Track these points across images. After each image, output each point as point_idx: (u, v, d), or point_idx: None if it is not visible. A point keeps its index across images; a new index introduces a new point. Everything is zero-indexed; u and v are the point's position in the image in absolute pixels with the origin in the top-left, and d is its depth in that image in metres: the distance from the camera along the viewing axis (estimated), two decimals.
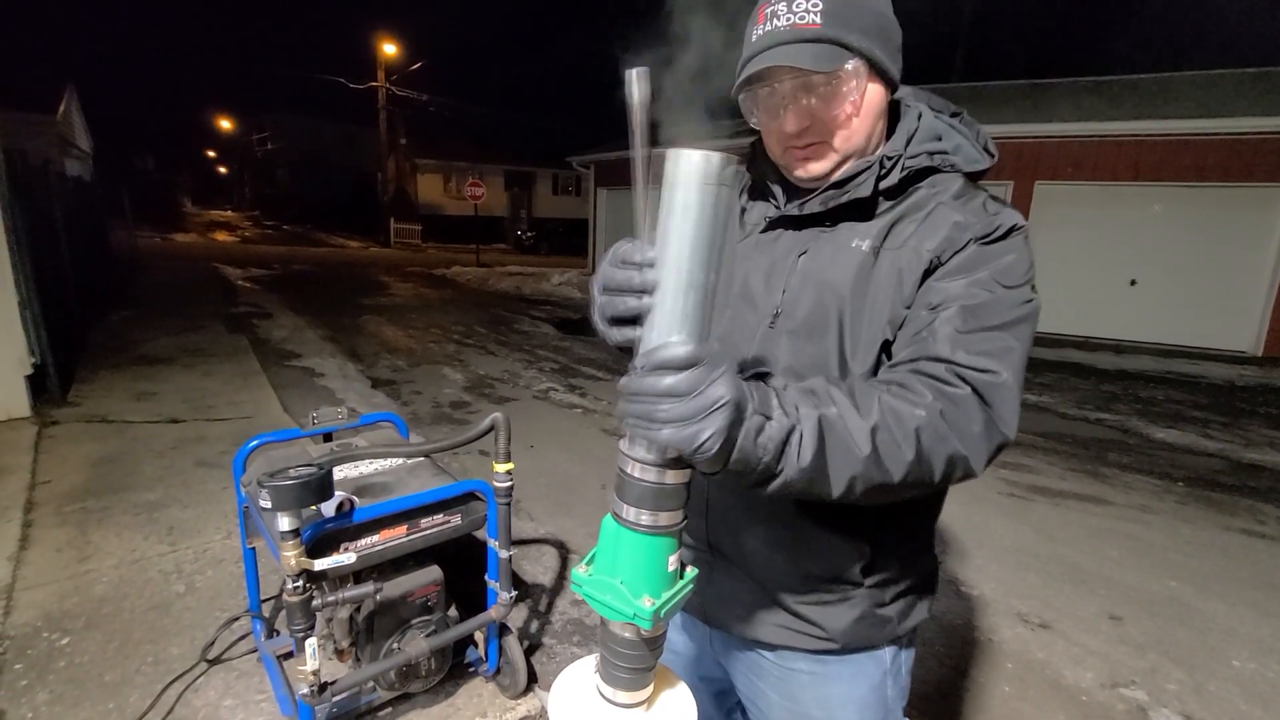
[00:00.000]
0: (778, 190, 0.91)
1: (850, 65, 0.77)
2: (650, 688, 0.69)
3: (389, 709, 1.85)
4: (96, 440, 3.85)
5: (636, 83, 0.57)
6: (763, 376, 0.67)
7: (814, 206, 0.85)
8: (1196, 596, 2.81)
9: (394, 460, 1.93)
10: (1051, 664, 2.33)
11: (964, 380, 0.71)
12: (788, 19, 0.77)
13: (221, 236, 26.20)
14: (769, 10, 0.79)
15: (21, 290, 4.14)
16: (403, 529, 1.63)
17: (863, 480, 0.65)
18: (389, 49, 24.84)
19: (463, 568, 2.05)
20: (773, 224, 0.90)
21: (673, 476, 0.62)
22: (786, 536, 0.86)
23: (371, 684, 1.74)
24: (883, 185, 0.82)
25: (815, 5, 0.76)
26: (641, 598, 0.63)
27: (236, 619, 2.16)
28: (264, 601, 2.13)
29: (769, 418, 0.60)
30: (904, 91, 0.92)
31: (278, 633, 2.03)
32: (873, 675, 0.92)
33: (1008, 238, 0.79)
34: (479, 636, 2.05)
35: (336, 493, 1.50)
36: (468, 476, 1.90)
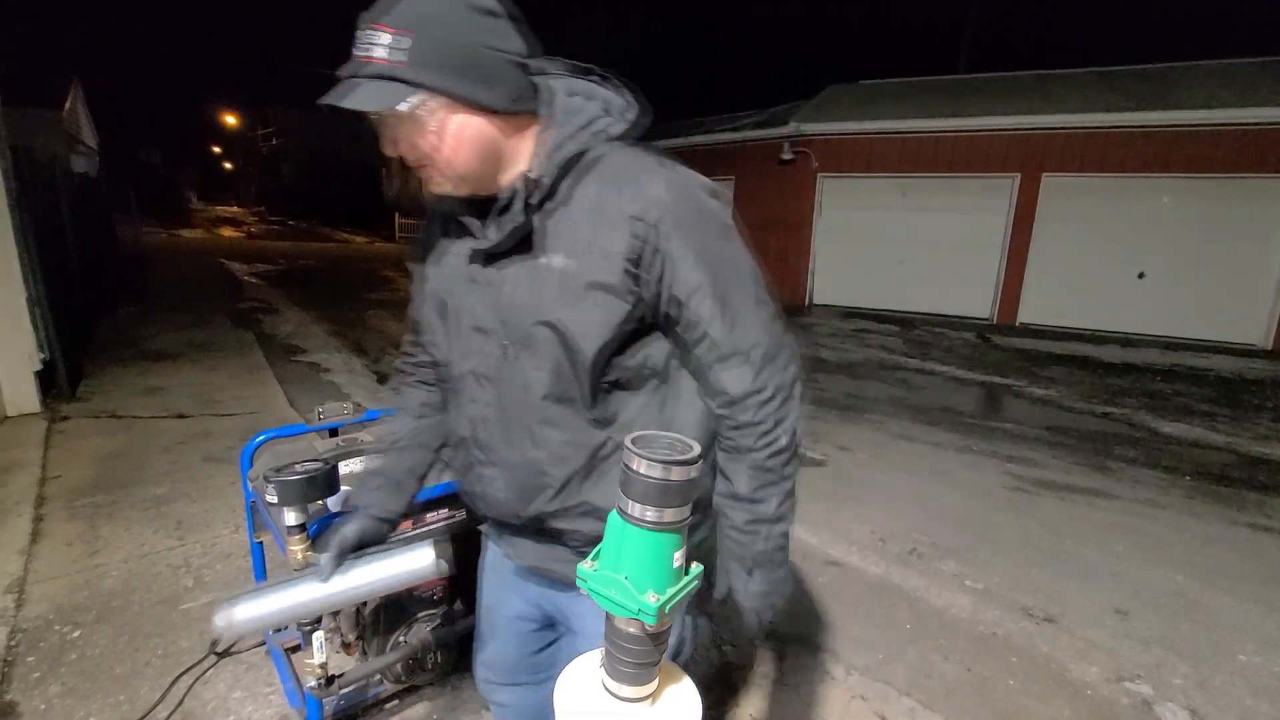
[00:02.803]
0: (470, 220, 0.90)
1: (410, 101, 0.76)
2: (655, 683, 0.70)
3: (396, 701, 1.86)
4: (105, 435, 3.88)
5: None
6: None
7: (494, 236, 0.86)
8: (1203, 591, 2.81)
9: None
10: (1056, 658, 2.33)
11: (751, 394, 0.86)
12: (361, 49, 0.76)
13: (227, 232, 26.26)
14: (355, 36, 0.78)
15: (30, 287, 4.16)
16: (408, 523, 1.64)
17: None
18: None
19: (468, 562, 2.06)
20: (474, 256, 0.91)
21: (678, 473, 0.63)
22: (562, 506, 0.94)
23: (379, 677, 1.75)
24: (536, 199, 0.84)
25: (383, 40, 0.74)
26: (646, 593, 0.63)
27: None
28: None
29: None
30: (544, 68, 0.89)
31: (285, 626, 2.04)
32: None
33: (689, 197, 0.83)
34: None
35: (342, 487, 1.51)
36: None
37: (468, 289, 0.92)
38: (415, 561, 1.08)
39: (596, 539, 0.70)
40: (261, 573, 2.06)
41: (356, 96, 0.75)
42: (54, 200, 5.74)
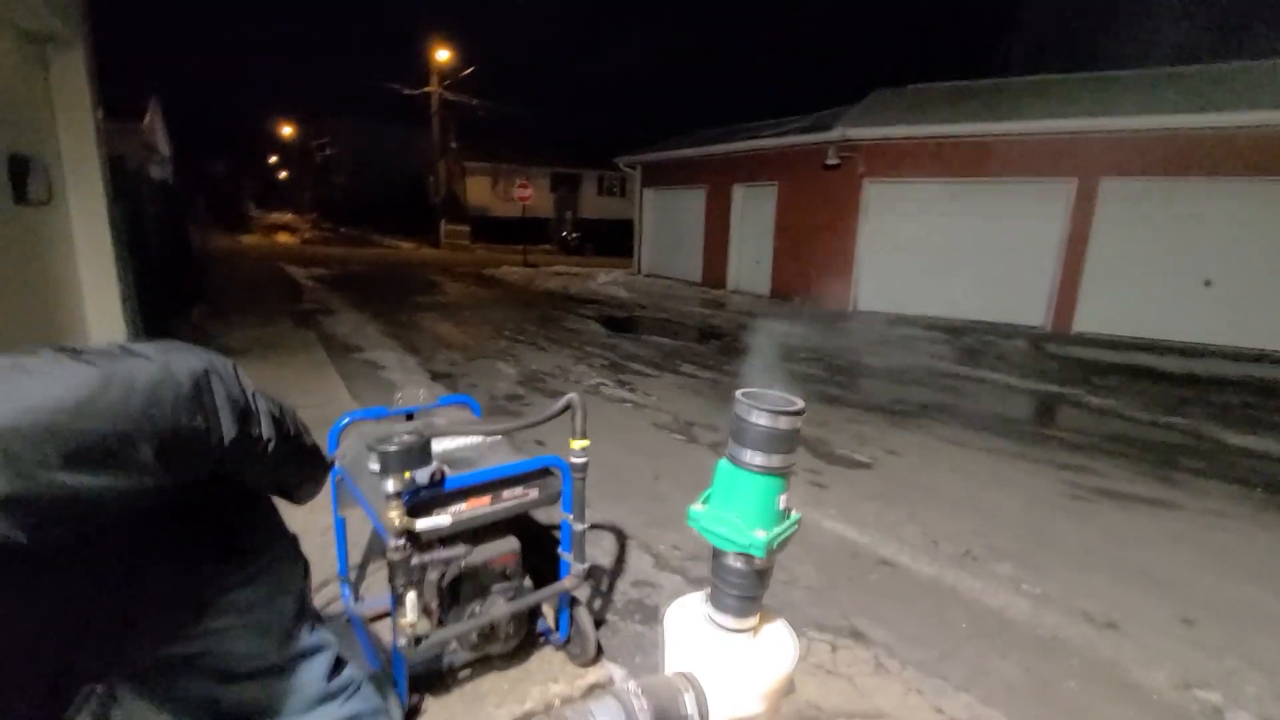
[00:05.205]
0: None
1: None
2: (757, 617, 0.77)
3: (468, 670, 1.96)
4: None
5: None
6: None
7: None
8: (1277, 604, 2.71)
9: (473, 438, 2.05)
10: (1120, 663, 2.29)
11: None
12: None
13: (283, 238, 27.43)
14: None
15: (121, 285, 4.48)
16: (487, 499, 1.74)
17: None
18: (442, 55, 25.55)
19: (535, 539, 2.15)
20: None
21: (785, 422, 0.70)
22: None
23: (454, 644, 1.86)
24: None
25: None
26: (755, 530, 0.70)
27: (326, 583, 2.32)
28: (350, 568, 2.28)
29: None
30: None
31: (363, 597, 2.18)
32: None
33: None
34: (549, 609, 2.15)
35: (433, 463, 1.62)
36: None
37: None
38: None
39: None
40: (344, 547, 2.20)
41: None
42: (139, 207, 6.14)
